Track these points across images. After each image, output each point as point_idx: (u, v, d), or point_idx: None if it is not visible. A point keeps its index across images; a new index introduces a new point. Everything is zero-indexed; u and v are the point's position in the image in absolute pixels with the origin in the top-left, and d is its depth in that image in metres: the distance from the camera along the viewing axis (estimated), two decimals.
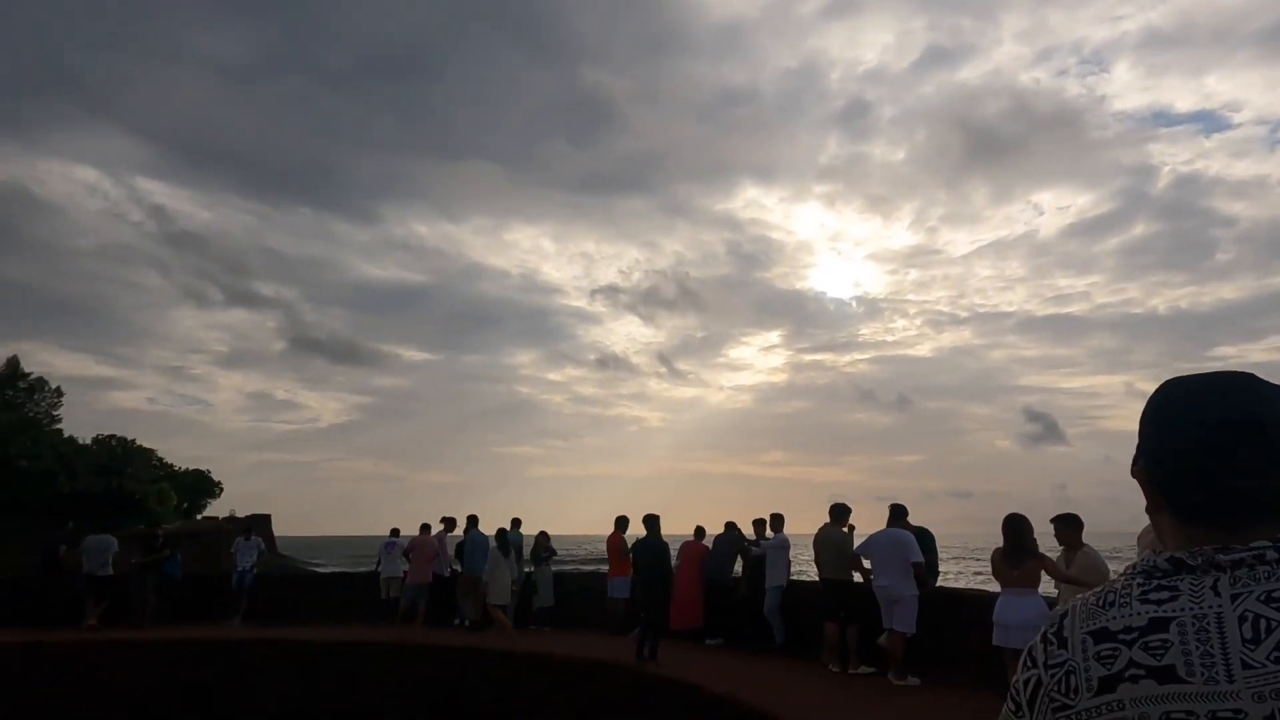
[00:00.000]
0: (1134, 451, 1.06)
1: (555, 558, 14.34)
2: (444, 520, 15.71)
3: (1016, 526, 7.14)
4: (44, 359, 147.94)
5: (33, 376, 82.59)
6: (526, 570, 14.36)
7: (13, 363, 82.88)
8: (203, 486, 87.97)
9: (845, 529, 10.07)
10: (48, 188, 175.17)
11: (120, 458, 76.85)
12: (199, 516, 77.77)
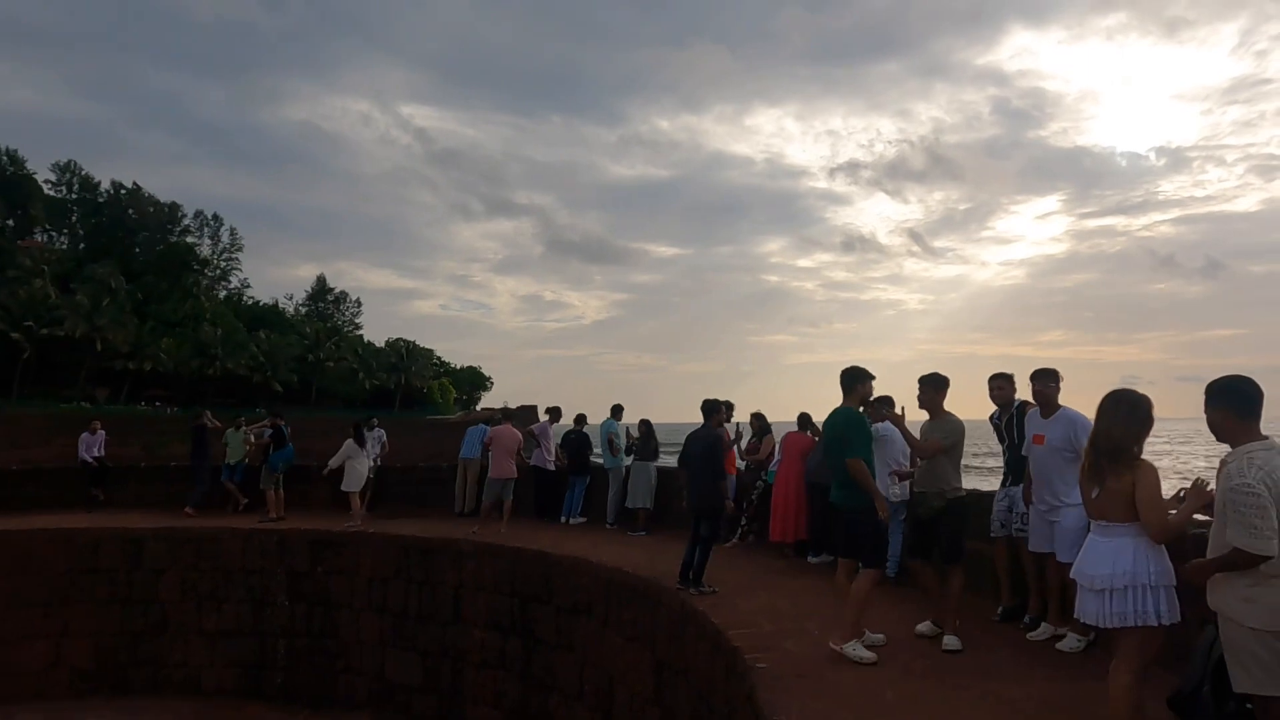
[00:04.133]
0: None
1: (656, 451, 11.97)
2: (549, 410, 13.99)
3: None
4: (356, 275, 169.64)
5: (337, 291, 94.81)
6: (625, 464, 12.22)
7: (321, 280, 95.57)
8: (477, 381, 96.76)
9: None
10: (332, 122, 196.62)
11: (406, 357, 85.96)
12: (476, 408, 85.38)
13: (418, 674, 11.42)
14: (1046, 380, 5.91)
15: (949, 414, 6.17)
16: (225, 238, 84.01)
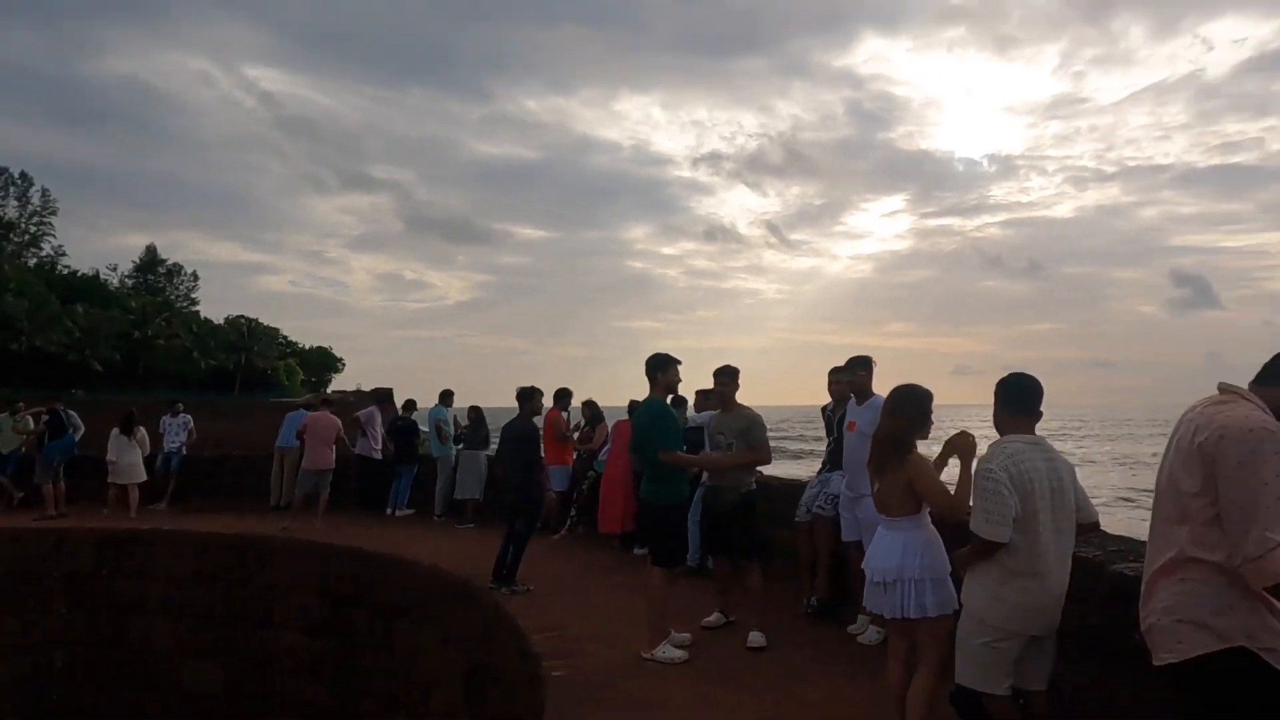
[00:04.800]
0: None
1: (487, 439, 11.45)
2: (375, 393, 13.20)
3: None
4: (197, 247, 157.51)
5: (170, 262, 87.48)
6: (454, 453, 11.64)
7: (151, 250, 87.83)
8: (327, 362, 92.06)
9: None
10: (165, 80, 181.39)
11: (248, 336, 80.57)
12: (327, 390, 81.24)
13: (218, 683, 10.44)
14: (857, 368, 5.87)
15: (742, 406, 6.01)
16: (35, 200, 75.47)
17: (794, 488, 7.08)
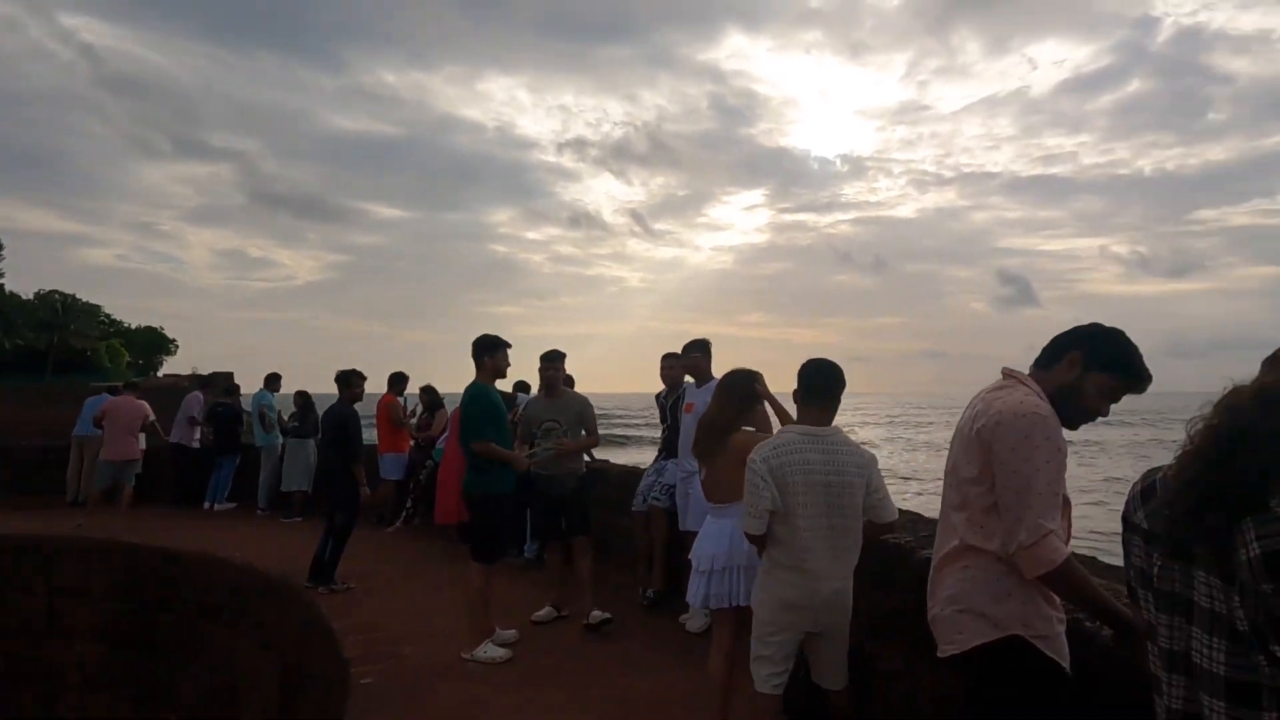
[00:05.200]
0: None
1: (317, 426, 10.72)
2: (198, 378, 12.13)
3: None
4: (3, 213, 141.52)
5: None
6: (280, 442, 10.84)
7: None
8: (157, 343, 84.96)
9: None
10: None
11: (62, 313, 73.20)
12: (158, 374, 75.02)
13: None
14: (693, 351, 5.79)
15: (568, 391, 5.95)
16: None
17: (634, 475, 6.94)
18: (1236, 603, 1.32)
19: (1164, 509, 1.47)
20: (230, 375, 12.82)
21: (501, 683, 4.65)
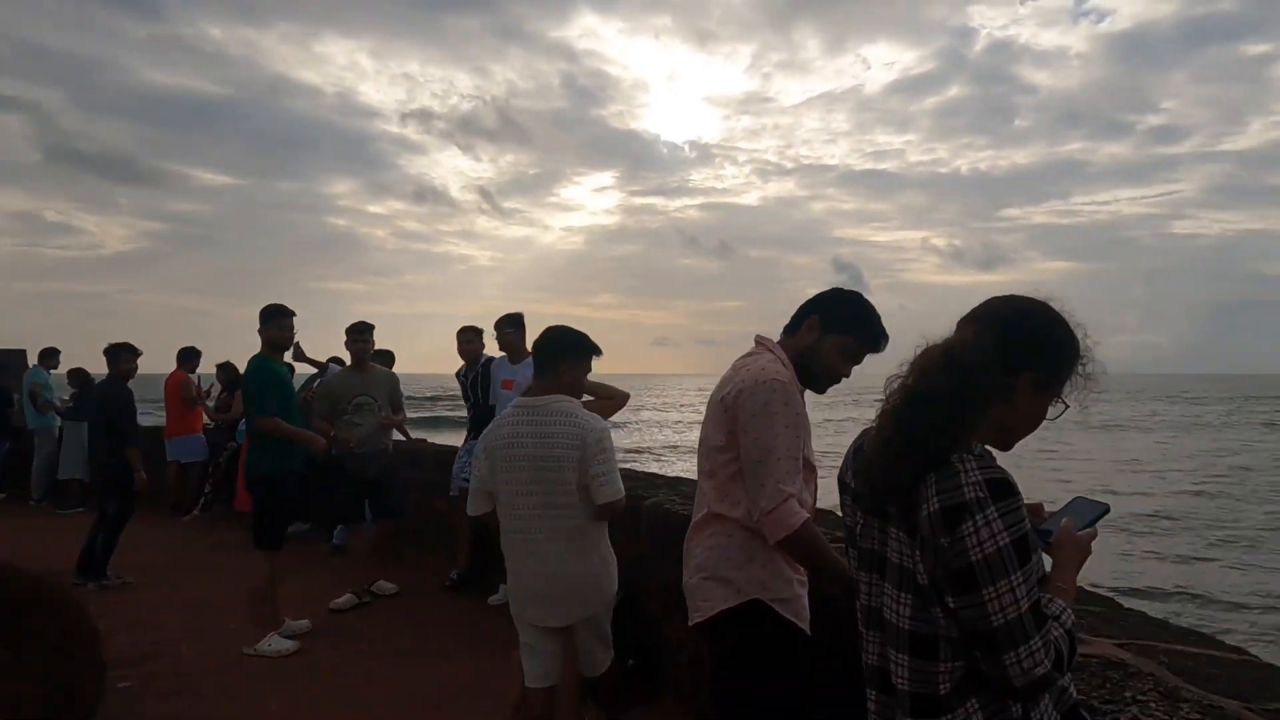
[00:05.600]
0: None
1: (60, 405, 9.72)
2: None
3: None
4: None
5: None
6: (57, 425, 9.74)
7: None
8: None
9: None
10: None
11: None
12: None
13: None
14: (505, 326, 5.62)
15: (377, 366, 5.71)
16: None
17: (452, 455, 6.69)
18: (918, 557, 1.34)
19: (864, 468, 1.47)
20: (23, 353, 11.38)
21: (282, 677, 4.33)
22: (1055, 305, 1.49)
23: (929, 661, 1.35)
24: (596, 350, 2.94)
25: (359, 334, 5.65)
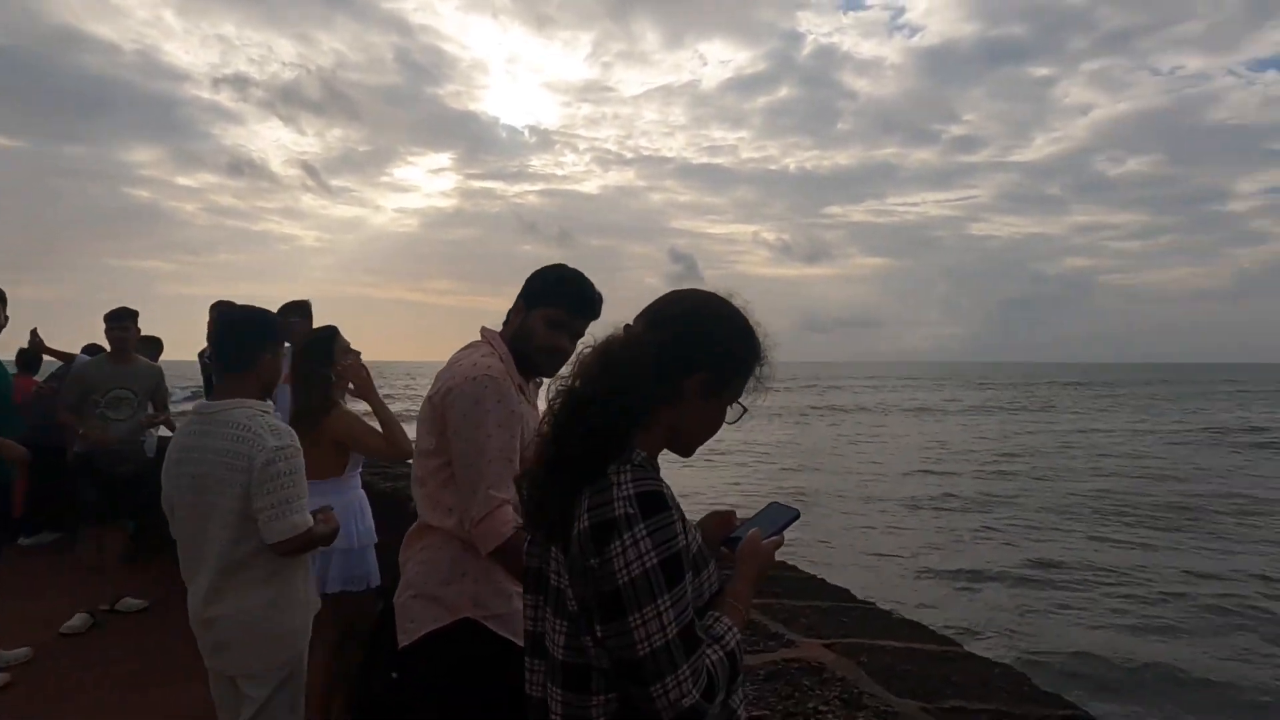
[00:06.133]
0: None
1: None
2: None
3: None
4: None
5: None
6: None
7: None
8: None
9: None
10: None
11: None
12: None
13: None
14: (291, 315, 5.13)
15: (136, 357, 5.28)
16: None
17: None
18: (568, 580, 1.24)
19: (523, 479, 1.36)
20: None
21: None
22: (736, 303, 1.38)
23: (580, 694, 1.24)
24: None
25: (118, 321, 5.17)
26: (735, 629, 1.30)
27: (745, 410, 1.41)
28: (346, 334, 3.54)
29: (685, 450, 1.41)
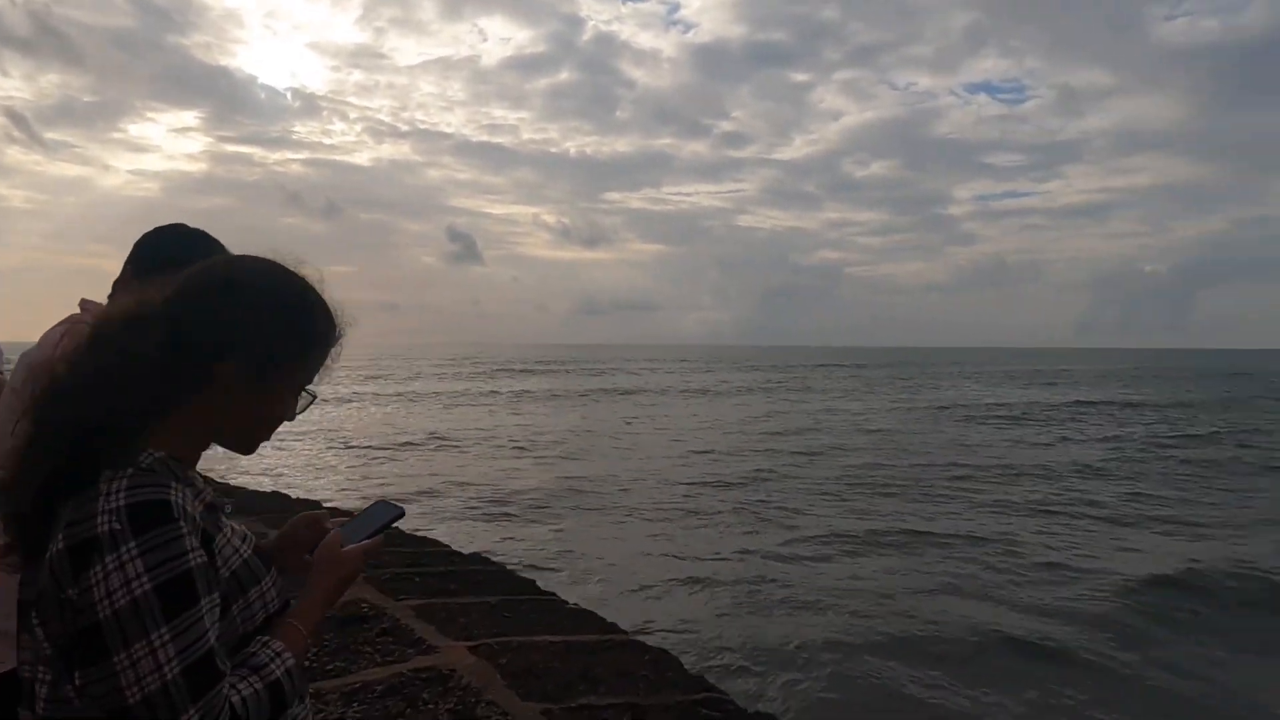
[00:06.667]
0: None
1: None
2: None
3: None
4: None
5: None
6: None
7: None
8: None
9: None
10: None
11: None
12: None
13: None
14: None
15: None
16: None
17: None
18: (39, 617, 0.97)
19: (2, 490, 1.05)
20: None
21: None
22: (304, 274, 1.15)
23: None
24: None
25: None
26: (288, 654, 1.09)
27: (314, 398, 1.19)
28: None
29: (240, 446, 1.16)
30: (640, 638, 2.88)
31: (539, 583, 3.87)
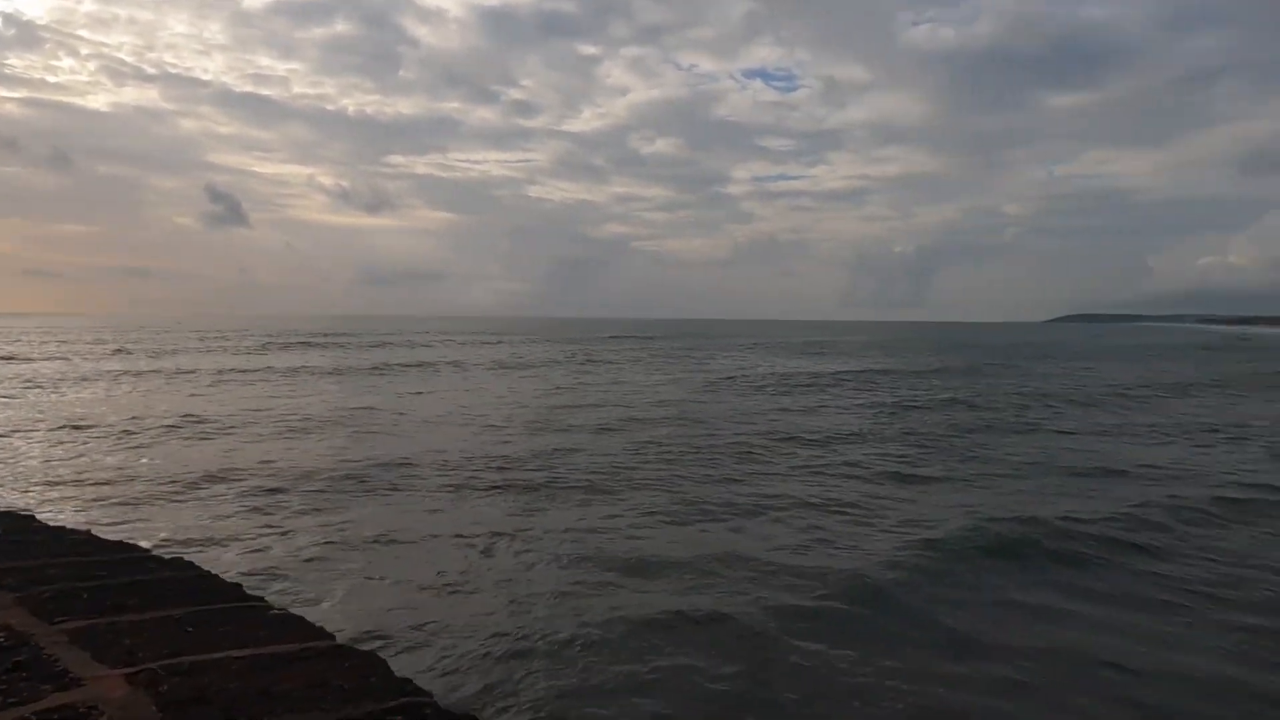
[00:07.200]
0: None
1: None
2: None
3: None
4: None
5: None
6: None
7: None
8: None
9: None
10: None
11: None
12: None
13: None
14: None
15: None
16: None
17: None
18: None
19: None
20: None
21: None
22: None
23: None
24: None
25: None
26: None
27: None
28: None
29: None
30: (366, 644, 2.66)
31: (273, 588, 3.46)
